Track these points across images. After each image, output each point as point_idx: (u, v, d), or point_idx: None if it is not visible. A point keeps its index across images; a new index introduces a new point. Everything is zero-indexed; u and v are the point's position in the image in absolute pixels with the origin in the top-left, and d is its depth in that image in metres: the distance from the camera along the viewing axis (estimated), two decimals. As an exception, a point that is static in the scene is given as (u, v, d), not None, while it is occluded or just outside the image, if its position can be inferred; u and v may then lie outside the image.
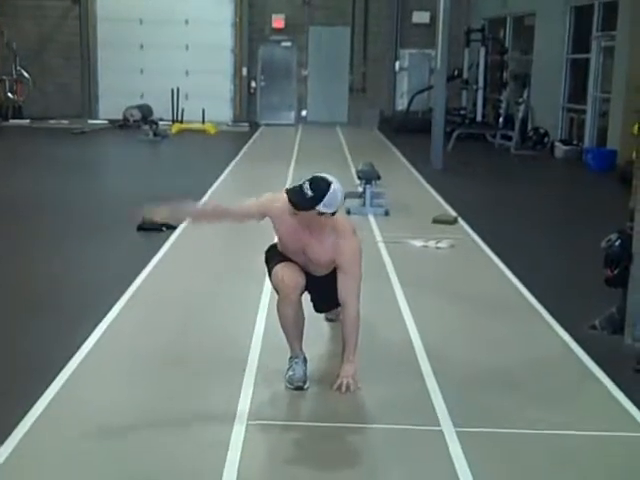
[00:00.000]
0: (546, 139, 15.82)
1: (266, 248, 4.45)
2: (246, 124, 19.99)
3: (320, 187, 3.91)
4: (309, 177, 3.99)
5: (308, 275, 4.19)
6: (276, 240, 4.42)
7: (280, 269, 4.15)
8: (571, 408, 4.09)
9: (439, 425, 3.79)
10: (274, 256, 4.31)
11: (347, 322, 4.15)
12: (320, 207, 3.91)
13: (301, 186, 3.94)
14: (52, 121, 19.27)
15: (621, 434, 3.80)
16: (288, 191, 4.00)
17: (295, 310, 4.16)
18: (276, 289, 4.20)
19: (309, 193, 3.89)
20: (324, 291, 4.24)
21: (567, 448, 3.67)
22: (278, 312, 4.20)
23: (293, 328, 4.20)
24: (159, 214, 4.31)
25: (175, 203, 4.27)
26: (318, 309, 4.55)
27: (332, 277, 4.15)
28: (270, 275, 4.25)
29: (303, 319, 4.24)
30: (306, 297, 4.34)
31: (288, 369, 4.21)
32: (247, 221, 4.37)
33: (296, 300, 4.15)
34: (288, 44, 21.28)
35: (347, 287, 4.10)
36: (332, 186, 3.92)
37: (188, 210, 4.50)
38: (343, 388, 4.09)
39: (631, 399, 4.13)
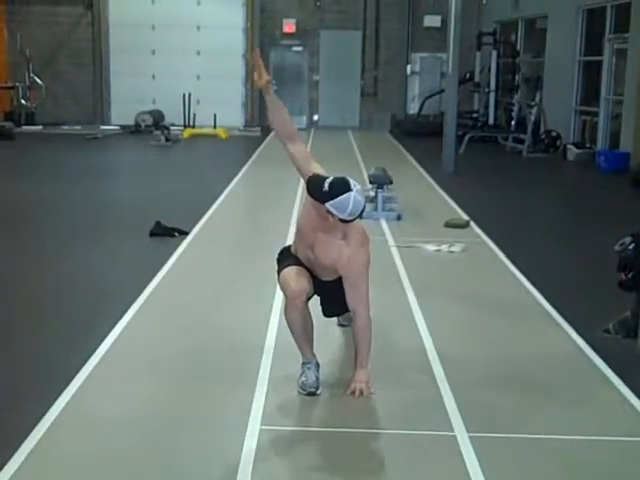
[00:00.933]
0: (558, 142, 15.77)
1: (279, 250, 4.46)
2: (258, 129, 20.01)
3: (338, 187, 3.87)
4: (341, 175, 3.96)
5: (315, 279, 4.19)
6: (289, 243, 4.43)
7: (287, 273, 4.14)
8: (585, 412, 4.07)
9: (452, 430, 3.78)
10: (285, 258, 4.31)
11: (358, 330, 4.14)
12: (329, 205, 3.88)
13: (325, 179, 3.92)
14: (65, 127, 19.37)
15: (635, 439, 3.77)
16: (312, 175, 3.99)
17: (302, 315, 4.15)
18: (283, 291, 4.20)
19: (325, 187, 3.87)
20: (332, 296, 4.24)
21: (581, 453, 3.64)
22: (285, 317, 4.20)
23: (301, 332, 4.19)
24: (262, 75, 4.17)
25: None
26: (327, 314, 4.55)
27: (340, 283, 4.14)
28: (279, 276, 4.25)
29: (311, 324, 4.23)
30: (315, 301, 4.34)
31: (300, 375, 4.21)
32: (292, 160, 4.27)
33: (302, 306, 4.13)
34: (299, 48, 21.31)
35: (354, 298, 4.09)
36: (350, 193, 3.86)
37: (274, 99, 4.27)
38: (357, 393, 4.09)
39: (645, 404, 4.11)
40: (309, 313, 4.19)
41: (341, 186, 3.88)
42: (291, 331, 4.21)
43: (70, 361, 4.54)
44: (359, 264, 4.06)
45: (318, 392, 4.16)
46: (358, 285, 4.07)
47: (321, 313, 4.45)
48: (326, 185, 3.87)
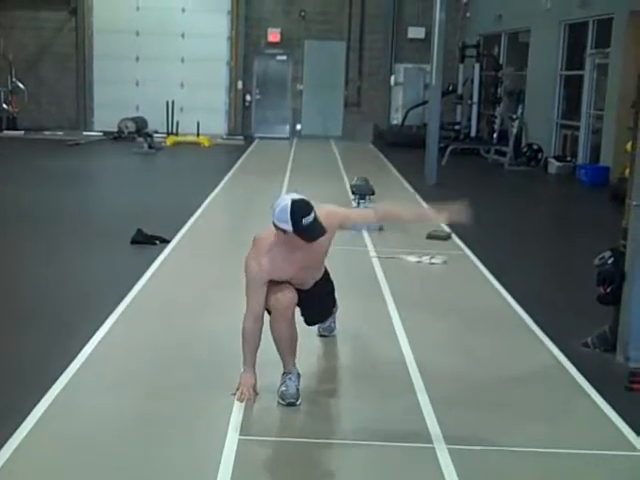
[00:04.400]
0: (540, 155, 15.88)
1: None
2: (241, 137, 20.01)
3: (305, 206, 3.91)
4: (290, 206, 3.88)
5: (298, 290, 4.21)
6: None
7: (272, 288, 4.15)
8: (563, 426, 4.09)
9: (431, 442, 3.79)
10: None
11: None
12: (276, 222, 3.95)
13: (303, 225, 3.87)
14: (47, 132, 19.27)
15: (613, 453, 3.80)
16: (301, 231, 3.90)
17: (289, 326, 4.17)
18: (268, 309, 4.19)
19: (311, 219, 3.88)
20: (313, 303, 4.30)
21: (559, 466, 3.67)
22: (272, 330, 4.19)
23: (287, 344, 4.20)
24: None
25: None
26: (310, 322, 4.57)
27: (322, 285, 4.24)
28: None
29: (296, 334, 4.24)
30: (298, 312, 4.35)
31: (281, 385, 4.21)
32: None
33: (291, 317, 4.17)
34: (283, 58, 21.34)
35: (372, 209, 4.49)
36: (296, 197, 3.94)
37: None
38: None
39: (623, 417, 4.13)
40: (295, 324, 4.22)
41: (306, 207, 3.91)
42: (277, 342, 4.21)
43: (52, 366, 4.53)
44: (336, 209, 4.27)
45: (298, 402, 4.16)
46: (353, 211, 4.46)
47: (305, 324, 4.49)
48: (309, 219, 3.90)
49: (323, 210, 4.11)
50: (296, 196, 3.96)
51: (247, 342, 4.16)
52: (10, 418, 3.86)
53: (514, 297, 6.30)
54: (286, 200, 3.91)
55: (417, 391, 4.39)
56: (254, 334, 4.14)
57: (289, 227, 3.88)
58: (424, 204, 10.76)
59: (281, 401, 4.16)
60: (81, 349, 4.82)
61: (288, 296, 4.12)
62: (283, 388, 4.19)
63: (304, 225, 3.86)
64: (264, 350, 4.22)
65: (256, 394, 4.13)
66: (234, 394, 4.10)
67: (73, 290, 6.33)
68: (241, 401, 4.08)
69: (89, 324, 5.28)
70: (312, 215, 3.88)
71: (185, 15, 20.96)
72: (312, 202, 4.01)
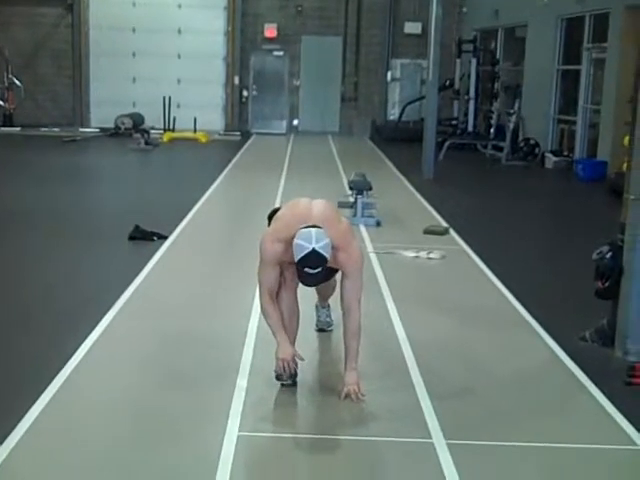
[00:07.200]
0: (537, 150, 15.87)
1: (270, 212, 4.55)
2: (238, 133, 19.99)
3: (319, 261, 3.91)
4: (306, 253, 3.89)
5: None
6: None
7: None
8: (561, 421, 4.09)
9: (430, 437, 3.79)
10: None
11: (350, 330, 4.17)
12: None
13: (305, 272, 3.92)
14: (43, 129, 19.24)
15: (611, 447, 3.80)
16: (300, 270, 3.95)
17: (289, 299, 4.23)
18: None
19: (313, 272, 3.92)
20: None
21: (558, 461, 3.67)
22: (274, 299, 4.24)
23: (286, 318, 4.23)
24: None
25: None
26: (307, 284, 4.63)
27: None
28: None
29: (297, 315, 4.32)
30: (303, 303, 4.35)
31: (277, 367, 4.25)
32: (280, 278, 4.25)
33: (291, 290, 4.23)
34: (280, 53, 21.31)
35: (350, 294, 4.15)
36: (318, 250, 3.89)
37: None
38: (353, 396, 4.07)
39: (621, 412, 4.13)
40: (297, 303, 4.30)
41: (317, 261, 3.93)
42: (281, 311, 4.22)
43: (51, 363, 4.53)
44: (355, 260, 4.17)
45: (296, 376, 4.22)
46: (356, 278, 4.15)
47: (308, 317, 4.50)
48: (313, 270, 3.95)
49: (343, 252, 4.11)
50: (319, 247, 3.89)
51: (270, 317, 4.20)
52: (9, 415, 3.86)
53: (512, 292, 6.30)
54: (308, 247, 3.88)
55: (415, 386, 4.39)
56: (273, 307, 4.18)
57: (296, 259, 3.94)
58: (421, 199, 10.77)
59: (277, 381, 4.25)
60: (79, 346, 4.82)
61: (289, 270, 4.17)
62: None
63: (305, 271, 3.93)
64: (264, 341, 4.21)
65: (300, 359, 4.19)
66: (276, 371, 4.19)
67: (70, 286, 6.33)
68: (286, 374, 4.16)
69: (87, 321, 5.27)
70: (317, 270, 3.92)
71: (181, 11, 20.93)
72: (346, 236, 4.15)
